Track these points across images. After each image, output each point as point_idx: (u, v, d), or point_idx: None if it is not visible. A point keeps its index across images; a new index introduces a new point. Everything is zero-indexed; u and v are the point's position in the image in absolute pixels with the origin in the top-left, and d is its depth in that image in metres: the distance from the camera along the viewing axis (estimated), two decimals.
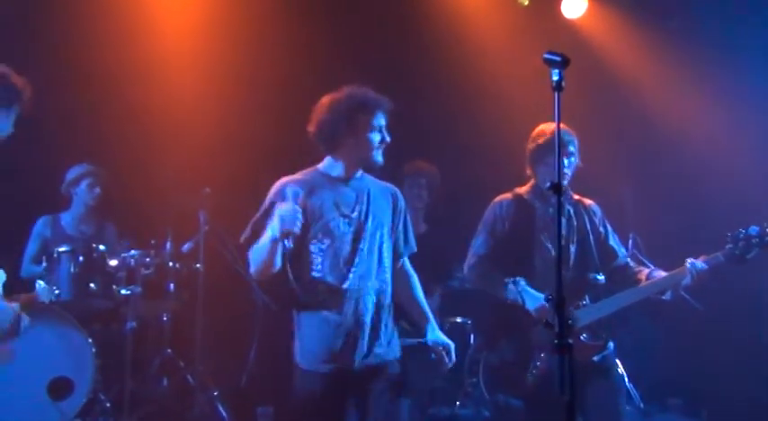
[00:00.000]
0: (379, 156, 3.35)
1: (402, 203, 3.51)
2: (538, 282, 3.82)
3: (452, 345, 3.38)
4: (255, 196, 3.51)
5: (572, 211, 3.93)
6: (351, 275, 3.25)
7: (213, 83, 6.03)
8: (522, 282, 3.79)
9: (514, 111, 5.27)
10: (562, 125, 3.90)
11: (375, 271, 3.30)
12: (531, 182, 4.03)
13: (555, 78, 2.63)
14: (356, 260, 3.26)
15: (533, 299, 3.75)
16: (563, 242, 3.73)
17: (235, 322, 5.94)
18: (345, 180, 3.37)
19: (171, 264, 5.55)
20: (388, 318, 3.35)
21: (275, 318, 5.84)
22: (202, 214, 5.60)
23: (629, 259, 4.05)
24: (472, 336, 6.06)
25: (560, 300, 2.57)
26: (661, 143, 6.11)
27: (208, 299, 5.60)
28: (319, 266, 3.25)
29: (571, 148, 3.85)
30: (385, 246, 3.36)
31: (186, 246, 5.64)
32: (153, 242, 5.42)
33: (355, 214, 3.30)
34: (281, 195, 3.30)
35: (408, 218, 3.54)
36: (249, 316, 5.92)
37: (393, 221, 3.43)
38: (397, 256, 3.48)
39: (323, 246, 3.25)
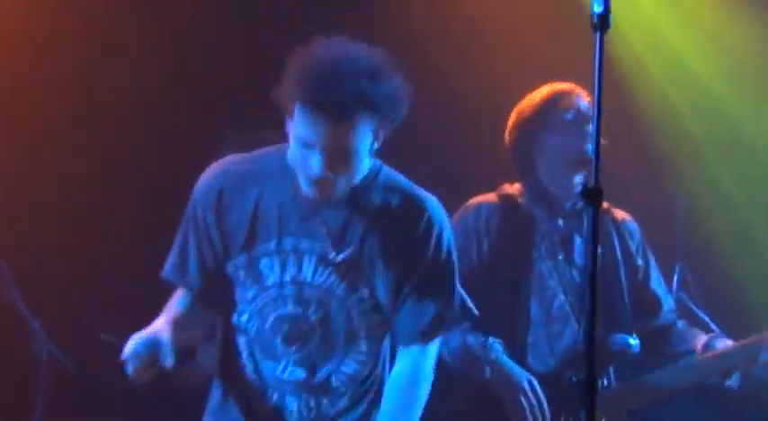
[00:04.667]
0: None
1: None
2: (532, 339, 2.61)
3: None
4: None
5: None
6: None
7: None
8: (498, 347, 2.57)
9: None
10: (580, 91, 2.80)
11: None
12: (527, 178, 2.75)
13: (596, 9, 1.56)
14: None
15: (512, 372, 2.52)
16: (579, 280, 2.68)
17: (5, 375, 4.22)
18: None
19: None
20: None
21: (69, 379, 4.10)
22: None
23: (675, 315, 2.84)
24: None
25: (591, 380, 1.51)
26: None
27: None
28: None
29: (587, 128, 2.61)
30: None
31: None
32: None
33: None
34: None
35: None
36: (29, 369, 4.14)
37: None
38: None
39: None
